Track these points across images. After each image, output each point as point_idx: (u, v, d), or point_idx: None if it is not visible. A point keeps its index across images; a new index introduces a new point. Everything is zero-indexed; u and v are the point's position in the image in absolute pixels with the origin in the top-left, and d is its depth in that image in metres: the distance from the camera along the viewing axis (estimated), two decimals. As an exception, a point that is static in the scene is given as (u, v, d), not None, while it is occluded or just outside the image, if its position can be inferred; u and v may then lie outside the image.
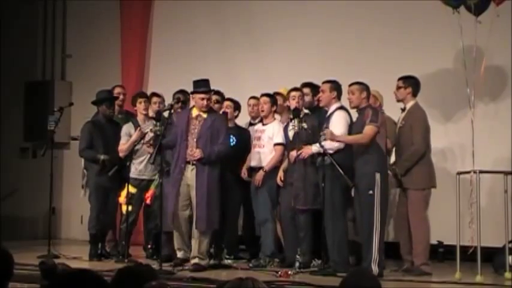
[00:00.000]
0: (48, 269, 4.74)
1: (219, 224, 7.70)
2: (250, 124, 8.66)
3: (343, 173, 7.12)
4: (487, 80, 7.82)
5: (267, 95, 8.22)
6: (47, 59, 11.85)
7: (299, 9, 9.79)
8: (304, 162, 7.64)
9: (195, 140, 7.56)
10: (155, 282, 3.33)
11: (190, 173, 7.55)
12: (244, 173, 8.18)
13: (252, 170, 8.17)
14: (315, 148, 7.41)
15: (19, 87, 11.48)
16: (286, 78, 8.94)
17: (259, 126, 8.27)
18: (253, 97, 8.51)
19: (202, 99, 7.62)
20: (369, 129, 7.14)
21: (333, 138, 7.21)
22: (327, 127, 7.42)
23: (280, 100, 8.29)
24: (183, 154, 7.56)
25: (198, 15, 10.61)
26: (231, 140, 8.06)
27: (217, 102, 8.48)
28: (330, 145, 7.31)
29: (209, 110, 7.72)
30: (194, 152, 7.50)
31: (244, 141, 8.36)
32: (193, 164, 7.53)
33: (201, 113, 7.65)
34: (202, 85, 7.66)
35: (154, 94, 8.80)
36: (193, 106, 7.75)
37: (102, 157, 8.39)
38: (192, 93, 7.77)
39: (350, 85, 7.42)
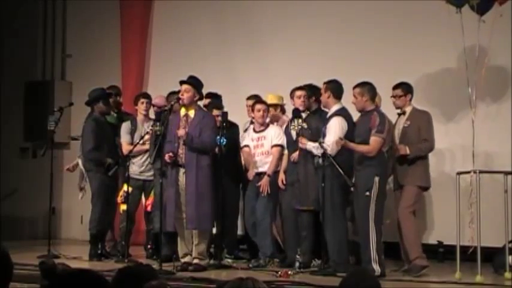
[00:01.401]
0: (48, 269, 4.73)
1: (213, 225, 7.67)
2: (251, 123, 8.63)
3: (343, 173, 7.12)
4: (488, 80, 7.80)
5: (263, 102, 8.20)
6: (47, 59, 11.84)
7: (299, 10, 9.78)
8: (306, 163, 7.64)
9: (183, 139, 7.54)
10: (155, 282, 3.33)
11: (182, 177, 7.55)
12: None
13: (258, 176, 8.12)
14: (310, 144, 7.38)
15: (19, 87, 11.48)
16: (286, 79, 8.94)
17: (252, 133, 8.20)
18: (256, 101, 8.46)
19: (180, 91, 7.64)
20: (375, 142, 7.16)
21: (345, 145, 7.16)
22: (324, 130, 7.42)
23: (272, 110, 8.26)
24: (176, 158, 7.55)
25: (198, 16, 10.61)
26: (222, 141, 8.00)
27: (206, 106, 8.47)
28: (327, 145, 7.30)
29: (197, 109, 7.69)
30: (179, 131, 7.48)
31: (234, 138, 8.31)
32: (184, 167, 7.52)
33: (188, 112, 7.63)
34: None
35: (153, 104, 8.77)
36: (182, 106, 7.73)
37: (109, 161, 8.37)
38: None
39: (353, 88, 7.41)
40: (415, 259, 7.36)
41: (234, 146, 8.26)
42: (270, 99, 8.35)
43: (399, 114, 7.62)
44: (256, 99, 8.34)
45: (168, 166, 7.63)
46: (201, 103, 8.02)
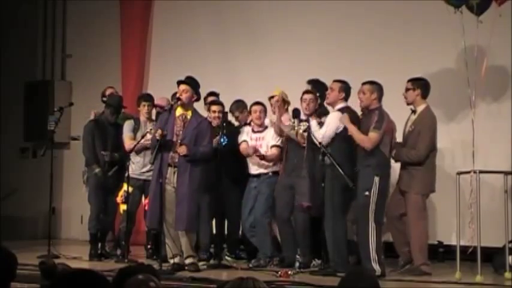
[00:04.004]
0: (48, 269, 4.74)
1: (197, 225, 7.63)
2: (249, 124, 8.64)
3: (344, 173, 7.12)
4: (488, 80, 7.81)
5: (259, 103, 8.20)
6: (47, 59, 11.84)
7: (299, 9, 9.78)
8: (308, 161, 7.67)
9: (179, 141, 7.49)
10: (141, 276, 3.32)
11: (173, 176, 7.49)
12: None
13: (255, 177, 8.14)
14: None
15: (19, 87, 11.48)
16: (286, 78, 8.94)
17: (251, 133, 8.19)
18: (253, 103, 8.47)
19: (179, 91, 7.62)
20: (372, 136, 7.18)
21: (345, 122, 7.17)
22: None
23: (279, 100, 8.27)
24: (166, 157, 7.47)
25: (198, 16, 10.61)
26: (222, 140, 7.98)
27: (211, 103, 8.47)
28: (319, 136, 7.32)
29: (194, 111, 7.66)
30: (179, 148, 7.44)
31: (235, 140, 8.29)
32: (175, 167, 7.49)
33: (186, 113, 7.59)
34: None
35: (157, 105, 8.78)
36: (177, 106, 7.67)
37: (96, 171, 8.48)
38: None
39: (363, 84, 7.40)
40: (420, 265, 7.35)
41: (235, 147, 8.25)
42: (275, 92, 8.33)
43: (412, 111, 7.58)
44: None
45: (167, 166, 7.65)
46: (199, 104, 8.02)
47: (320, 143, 7.30)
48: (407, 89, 7.54)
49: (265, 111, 8.18)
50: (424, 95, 7.53)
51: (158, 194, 7.42)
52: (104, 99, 8.86)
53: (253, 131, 8.21)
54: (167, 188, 7.46)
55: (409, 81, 7.58)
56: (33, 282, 5.83)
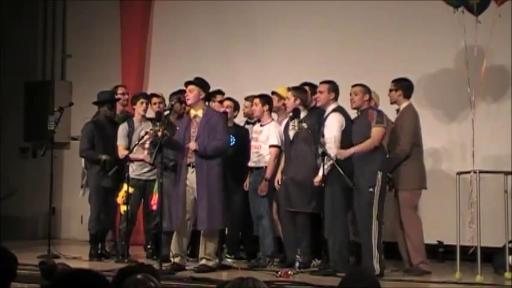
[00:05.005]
0: (48, 269, 4.74)
1: (224, 224, 7.68)
2: (247, 123, 8.65)
3: (344, 173, 7.12)
4: (488, 80, 7.81)
5: (259, 95, 8.21)
6: (47, 59, 11.84)
7: (299, 9, 9.78)
8: (303, 162, 7.65)
9: (193, 140, 7.52)
10: (140, 276, 3.32)
11: (191, 176, 7.52)
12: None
13: (251, 170, 8.16)
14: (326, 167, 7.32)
15: (19, 87, 11.48)
16: (286, 78, 8.93)
17: (257, 127, 8.26)
18: (246, 98, 8.55)
19: (184, 91, 7.63)
20: (376, 131, 7.21)
21: (345, 154, 7.19)
22: (323, 129, 7.43)
23: (276, 99, 8.28)
24: (185, 159, 7.53)
25: (198, 15, 10.61)
26: (231, 140, 8.04)
27: (221, 101, 8.49)
28: (330, 144, 7.32)
29: (206, 108, 7.69)
30: (190, 144, 7.45)
31: (243, 140, 8.33)
32: (192, 166, 7.51)
33: (197, 113, 7.61)
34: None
35: (153, 95, 8.81)
36: (190, 108, 7.71)
37: (103, 157, 8.42)
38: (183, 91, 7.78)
39: (353, 86, 7.44)
40: (418, 264, 7.36)
41: (240, 146, 8.25)
42: (279, 89, 8.32)
43: (397, 111, 7.63)
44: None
45: (170, 165, 7.65)
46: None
47: (321, 144, 7.30)
48: (390, 90, 7.61)
49: (262, 103, 8.13)
50: (406, 95, 7.58)
51: (181, 196, 7.44)
52: (96, 100, 8.80)
53: (260, 124, 8.21)
54: (186, 189, 7.48)
55: (392, 81, 7.64)
56: (33, 282, 5.83)
